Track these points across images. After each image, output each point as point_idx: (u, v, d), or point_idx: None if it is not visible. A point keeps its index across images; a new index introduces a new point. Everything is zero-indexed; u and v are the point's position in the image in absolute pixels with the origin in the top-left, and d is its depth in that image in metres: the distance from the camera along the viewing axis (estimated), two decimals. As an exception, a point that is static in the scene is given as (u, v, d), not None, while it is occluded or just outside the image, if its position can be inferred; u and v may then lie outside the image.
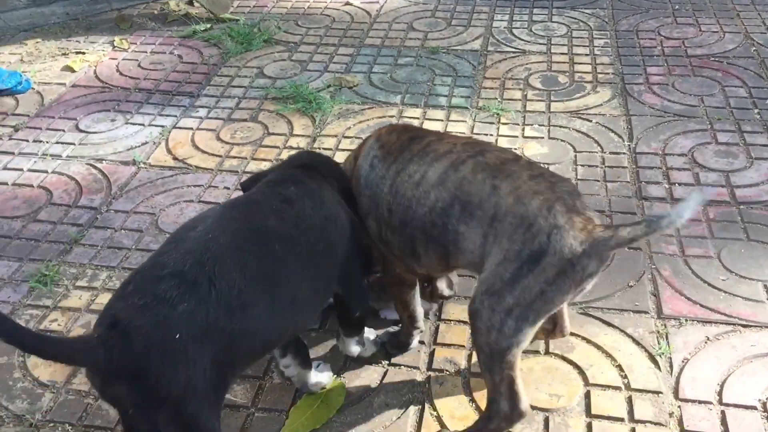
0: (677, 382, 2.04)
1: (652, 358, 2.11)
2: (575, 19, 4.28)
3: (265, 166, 3.08)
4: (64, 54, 4.07)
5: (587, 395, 2.01)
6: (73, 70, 3.88)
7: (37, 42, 4.22)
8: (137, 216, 2.80)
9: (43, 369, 2.16)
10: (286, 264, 1.65)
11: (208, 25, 4.33)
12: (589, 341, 2.17)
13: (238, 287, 1.52)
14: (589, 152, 3.06)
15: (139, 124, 3.40)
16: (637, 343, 2.16)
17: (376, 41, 4.12)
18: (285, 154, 3.14)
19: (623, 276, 2.41)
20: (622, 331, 2.20)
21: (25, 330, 1.40)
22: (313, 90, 3.59)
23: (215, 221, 1.63)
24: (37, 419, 2.00)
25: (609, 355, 2.13)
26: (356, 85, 3.67)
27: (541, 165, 1.97)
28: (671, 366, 2.09)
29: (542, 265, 1.62)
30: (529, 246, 1.64)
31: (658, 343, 2.15)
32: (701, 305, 2.28)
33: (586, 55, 3.86)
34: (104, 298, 2.41)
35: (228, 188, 2.95)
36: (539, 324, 1.70)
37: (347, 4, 4.63)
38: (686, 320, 2.23)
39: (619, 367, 2.09)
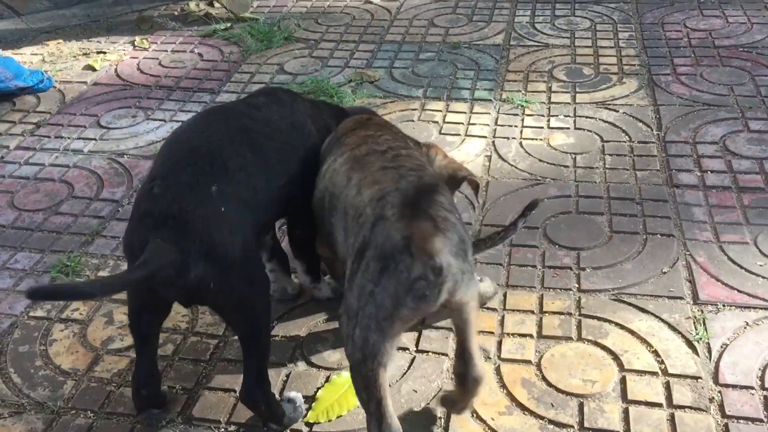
0: (717, 368, 1.96)
1: (690, 344, 2.04)
2: (599, 13, 4.22)
3: (286, 159, 3.04)
4: (85, 54, 4.07)
5: (623, 381, 1.94)
6: (94, 69, 3.88)
7: (58, 43, 4.24)
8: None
9: (65, 357, 2.12)
10: (265, 153, 1.84)
11: (228, 24, 4.32)
12: (623, 327, 2.10)
13: (244, 169, 1.75)
14: (617, 142, 3.00)
15: (161, 120, 3.38)
16: (673, 328, 2.09)
17: (397, 37, 4.09)
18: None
19: (656, 262, 2.34)
20: (656, 316, 2.13)
21: (96, 281, 1.73)
22: (334, 85, 3.56)
23: (200, 125, 1.87)
24: (59, 406, 1.97)
25: (644, 341, 2.05)
26: (377, 79, 3.63)
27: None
28: (710, 351, 2.01)
29: (365, 260, 1.49)
30: (358, 239, 1.54)
31: (696, 329, 2.08)
32: (739, 291, 2.21)
33: (611, 47, 3.80)
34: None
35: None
36: (389, 336, 1.49)
37: (367, 2, 4.61)
38: (724, 306, 2.16)
39: (656, 353, 2.02)
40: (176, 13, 4.59)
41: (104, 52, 4.07)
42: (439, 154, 2.19)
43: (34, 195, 2.88)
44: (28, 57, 4.07)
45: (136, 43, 4.16)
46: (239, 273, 1.65)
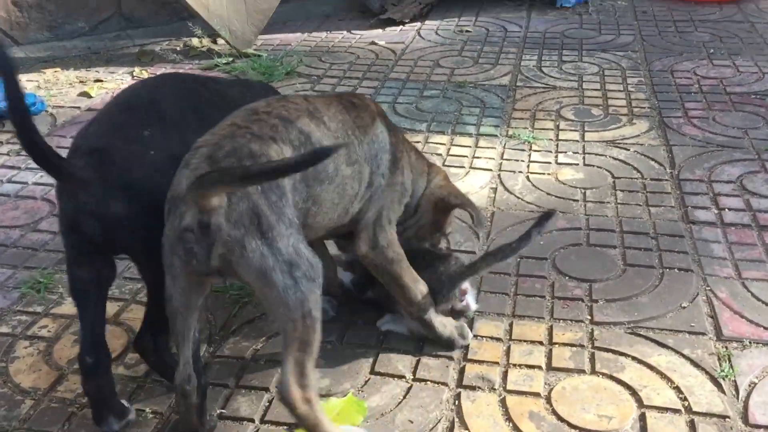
0: (745, 407, 1.77)
1: (715, 381, 1.85)
2: (606, 60, 4.16)
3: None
4: (81, 82, 3.98)
5: (642, 417, 1.74)
6: (89, 96, 3.78)
7: (55, 71, 4.15)
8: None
9: (26, 376, 1.93)
10: (209, 120, 1.70)
11: (231, 59, 4.25)
12: (640, 361, 1.92)
13: (181, 125, 1.71)
14: (629, 178, 2.86)
15: (153, 145, 3.25)
16: (696, 364, 1.90)
17: (401, 75, 4.01)
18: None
19: (674, 296, 2.16)
20: (677, 351, 1.95)
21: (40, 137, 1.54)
22: (335, 117, 3.45)
23: (152, 81, 1.93)
24: (13, 427, 1.76)
25: (665, 376, 1.86)
26: (380, 113, 3.52)
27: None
28: (737, 389, 1.82)
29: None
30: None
31: (721, 366, 1.89)
32: (765, 328, 2.03)
33: (620, 91, 3.71)
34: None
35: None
36: (177, 283, 1.53)
37: (372, 43, 4.55)
38: (750, 342, 1.97)
39: (678, 389, 1.82)
40: (179, 48, 4.53)
41: (101, 81, 3.98)
42: (439, 175, 2.07)
43: (13, 212, 2.73)
44: (23, 83, 3.97)
45: (134, 74, 4.08)
46: (155, 220, 1.55)
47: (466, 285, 2.01)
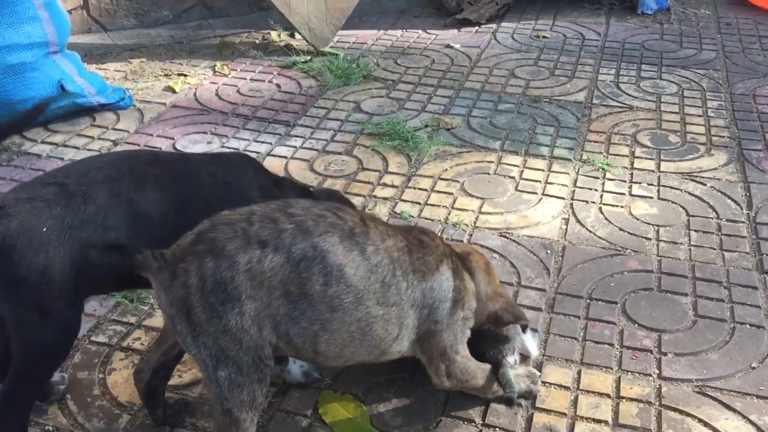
0: (810, 483, 1.81)
1: (781, 452, 1.89)
2: (686, 78, 4.10)
3: (357, 201, 2.99)
4: (166, 75, 4.12)
5: (706, 486, 1.80)
6: (174, 91, 3.91)
7: (141, 61, 4.30)
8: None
9: (123, 388, 2.08)
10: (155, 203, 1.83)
11: (308, 58, 4.33)
12: (707, 424, 1.96)
13: (104, 210, 1.77)
14: (704, 217, 2.86)
15: (234, 149, 3.37)
16: (763, 432, 1.94)
17: (476, 85, 4.03)
18: (379, 191, 3.05)
19: (744, 355, 2.19)
20: (744, 416, 1.98)
21: None
22: (410, 128, 3.51)
23: (114, 156, 2.07)
24: (111, 441, 1.92)
25: (730, 443, 1.91)
26: (454, 127, 3.57)
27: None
28: (803, 463, 1.86)
29: None
30: None
31: (787, 436, 1.93)
32: (836, 397, 2.05)
33: (699, 116, 3.67)
34: (188, 321, 2.34)
35: (319, 220, 2.87)
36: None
37: (448, 46, 4.57)
38: (819, 413, 2.00)
39: (743, 458, 1.87)
40: (258, 41, 4.63)
41: (185, 75, 4.11)
42: (479, 273, 1.95)
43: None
44: (111, 72, 4.14)
45: (216, 69, 4.20)
46: (27, 296, 1.70)
47: (524, 337, 2.06)
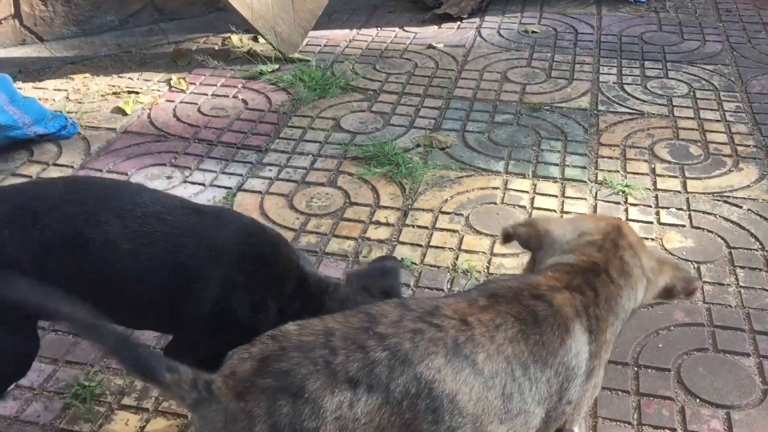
0: None
1: None
2: (696, 76, 3.73)
3: (348, 244, 2.56)
4: (114, 93, 3.61)
5: None
6: (124, 113, 3.41)
7: (85, 77, 3.78)
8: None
9: None
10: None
11: (276, 66, 3.85)
12: None
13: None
14: (747, 249, 2.50)
15: (199, 184, 2.91)
16: None
17: (467, 93, 3.61)
18: (372, 231, 2.62)
19: (832, 436, 1.84)
20: None
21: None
22: (399, 150, 3.08)
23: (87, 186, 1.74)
24: None
25: None
26: (449, 145, 3.15)
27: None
28: None
29: None
30: None
31: None
32: None
33: (717, 121, 3.31)
34: (158, 425, 1.90)
35: (306, 273, 2.43)
36: None
37: (430, 47, 4.13)
38: None
39: None
40: (217, 47, 4.13)
41: (136, 92, 3.61)
42: (641, 252, 1.54)
43: (49, 278, 2.41)
44: (50, 92, 3.61)
45: (172, 83, 3.70)
46: None
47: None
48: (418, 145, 3.15)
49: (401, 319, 1.28)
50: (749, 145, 3.11)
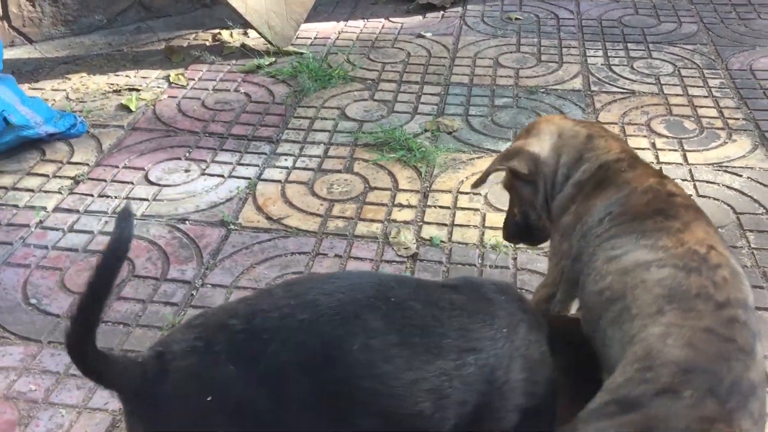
0: None
1: None
2: (678, 56, 3.91)
3: (375, 227, 2.64)
4: (115, 91, 3.61)
5: None
6: (129, 110, 3.42)
7: (81, 76, 3.76)
8: (241, 292, 2.34)
9: None
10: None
11: (272, 59, 3.90)
12: None
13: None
14: (753, 214, 2.66)
15: (218, 176, 2.95)
16: None
17: (464, 79, 3.71)
18: (396, 214, 2.71)
19: None
20: None
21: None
22: (409, 135, 3.17)
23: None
24: None
25: None
26: (456, 129, 3.25)
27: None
28: None
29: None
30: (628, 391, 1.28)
31: None
32: None
33: (705, 96, 3.48)
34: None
35: (339, 256, 2.51)
36: None
37: (419, 36, 4.23)
38: None
39: None
40: (208, 42, 4.15)
41: (137, 89, 3.61)
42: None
43: (87, 273, 2.43)
44: (49, 93, 3.59)
45: (171, 79, 3.71)
46: None
47: None
48: (426, 130, 3.25)
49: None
50: (738, 118, 3.29)
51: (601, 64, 3.83)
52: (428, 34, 4.24)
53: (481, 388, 1.31)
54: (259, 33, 3.97)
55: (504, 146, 3.10)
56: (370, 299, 1.32)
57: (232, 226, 2.65)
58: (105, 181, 2.90)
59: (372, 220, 2.69)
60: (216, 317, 1.34)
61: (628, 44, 4.06)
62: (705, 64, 3.80)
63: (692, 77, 3.68)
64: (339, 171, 2.98)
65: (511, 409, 1.34)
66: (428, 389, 1.27)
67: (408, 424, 1.28)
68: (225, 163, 3.04)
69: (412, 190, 2.84)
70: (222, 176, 2.95)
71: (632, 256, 1.48)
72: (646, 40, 4.10)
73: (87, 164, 3.01)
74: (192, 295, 2.34)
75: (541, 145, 1.79)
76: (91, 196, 2.81)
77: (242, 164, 3.03)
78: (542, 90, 3.58)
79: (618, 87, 3.60)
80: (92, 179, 2.92)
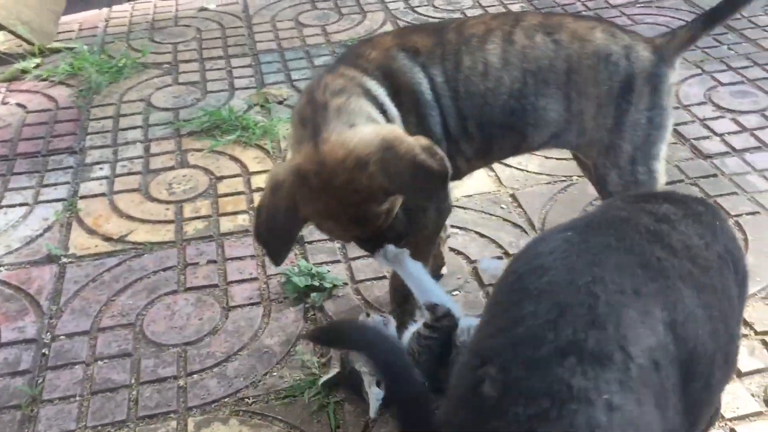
0: None
1: None
2: (473, -12, 3.87)
3: (242, 219, 2.26)
4: None
5: None
6: None
7: None
8: (107, 335, 1.86)
9: None
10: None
11: (38, 60, 3.24)
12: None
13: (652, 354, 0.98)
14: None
15: (20, 205, 2.36)
16: None
17: (271, 45, 3.36)
18: (258, 199, 2.34)
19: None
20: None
21: None
22: (238, 113, 2.78)
23: (577, 256, 1.07)
24: None
25: None
26: (286, 98, 2.91)
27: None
28: None
29: (636, 90, 1.56)
30: (616, 77, 1.56)
31: None
32: None
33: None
34: None
35: (214, 261, 2.10)
36: (664, 154, 1.61)
37: (203, 10, 3.77)
38: None
39: None
40: (-53, 55, 3.36)
41: None
42: None
43: None
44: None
45: None
46: None
47: None
48: (254, 105, 2.87)
49: None
50: (554, 36, 3.31)
51: (404, 8, 3.68)
52: (211, 6, 3.80)
53: None
54: (12, 32, 3.28)
55: (344, 105, 2.82)
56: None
57: (64, 259, 2.12)
58: None
59: (235, 213, 2.30)
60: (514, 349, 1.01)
61: (423, -15, 3.95)
62: (502, -6, 3.81)
63: (493, 6, 3.65)
64: (172, 167, 2.52)
65: None
66: None
67: None
68: (23, 188, 2.44)
69: (266, 170, 2.48)
70: (26, 204, 2.36)
71: (490, 55, 1.60)
72: (436, -21, 4.02)
73: None
74: (44, 354, 1.81)
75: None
76: None
77: (47, 185, 2.45)
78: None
79: (430, 26, 3.47)
80: None
